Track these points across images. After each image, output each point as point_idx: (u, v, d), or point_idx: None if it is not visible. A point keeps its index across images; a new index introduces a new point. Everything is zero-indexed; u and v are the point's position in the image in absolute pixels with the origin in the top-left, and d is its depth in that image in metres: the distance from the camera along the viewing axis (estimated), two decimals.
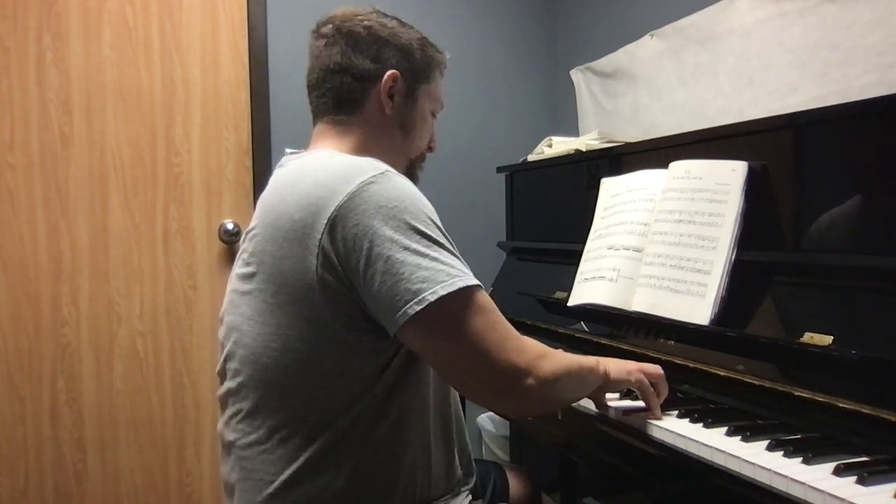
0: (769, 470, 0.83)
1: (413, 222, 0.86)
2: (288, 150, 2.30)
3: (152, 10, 2.04)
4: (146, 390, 2.07)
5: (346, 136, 1.04)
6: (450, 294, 0.84)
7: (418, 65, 1.07)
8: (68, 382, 1.98)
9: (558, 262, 1.74)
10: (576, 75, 2.46)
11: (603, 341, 1.43)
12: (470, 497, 1.10)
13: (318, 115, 1.07)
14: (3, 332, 1.92)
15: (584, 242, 1.54)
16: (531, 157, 2.05)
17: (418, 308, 0.83)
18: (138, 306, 2.05)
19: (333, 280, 0.87)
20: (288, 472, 0.91)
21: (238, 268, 1.00)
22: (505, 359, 0.86)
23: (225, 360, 1.00)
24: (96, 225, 2.01)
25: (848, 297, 1.05)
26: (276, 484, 0.91)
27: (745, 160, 1.21)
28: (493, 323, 0.87)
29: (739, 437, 0.94)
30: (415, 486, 0.98)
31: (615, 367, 1.03)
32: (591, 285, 1.44)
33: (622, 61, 2.20)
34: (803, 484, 0.79)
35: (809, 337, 1.01)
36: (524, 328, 1.70)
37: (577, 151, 1.81)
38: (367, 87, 1.03)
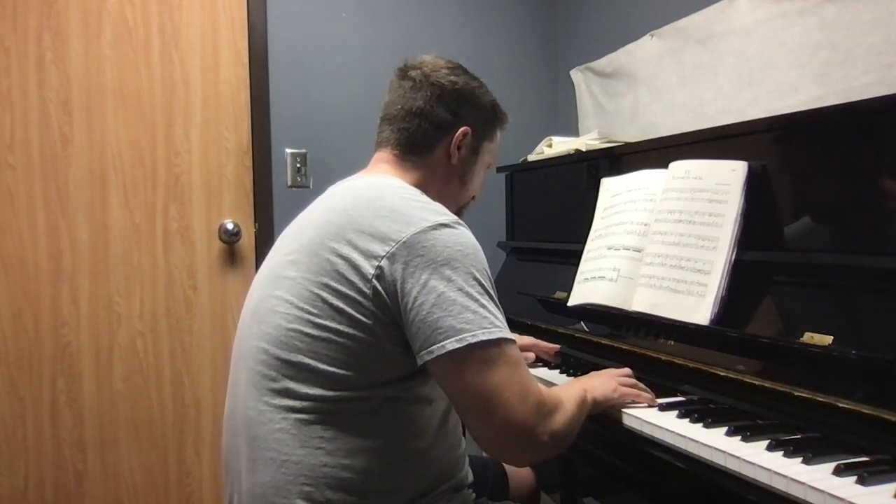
0: (769, 470, 0.83)
1: (472, 270, 0.93)
2: (289, 151, 2.30)
3: (152, 10, 2.04)
4: (146, 390, 2.07)
5: (410, 172, 1.12)
6: (488, 341, 0.89)
7: (487, 125, 1.18)
8: (68, 382, 1.98)
9: (558, 262, 1.74)
10: (576, 75, 2.46)
11: (603, 341, 1.43)
12: (474, 494, 1.10)
13: (383, 144, 1.14)
14: (3, 332, 1.92)
15: (584, 242, 1.54)
16: (531, 157, 2.05)
17: (457, 346, 0.88)
18: (138, 306, 2.05)
19: (384, 294, 0.92)
20: (300, 452, 0.93)
21: (284, 252, 1.03)
22: (521, 413, 0.89)
23: (249, 337, 1.02)
24: (96, 225, 2.01)
25: (848, 297, 1.05)
26: (287, 462, 0.94)
27: (745, 160, 1.21)
28: (517, 378, 0.91)
29: (739, 437, 0.94)
30: (425, 477, 1.00)
31: (599, 389, 1.09)
32: (591, 285, 1.44)
33: (622, 61, 2.20)
34: (803, 484, 0.79)
35: (809, 337, 1.01)
36: (524, 328, 1.70)
37: (577, 151, 1.81)
38: (440, 136, 1.12)
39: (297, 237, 1.03)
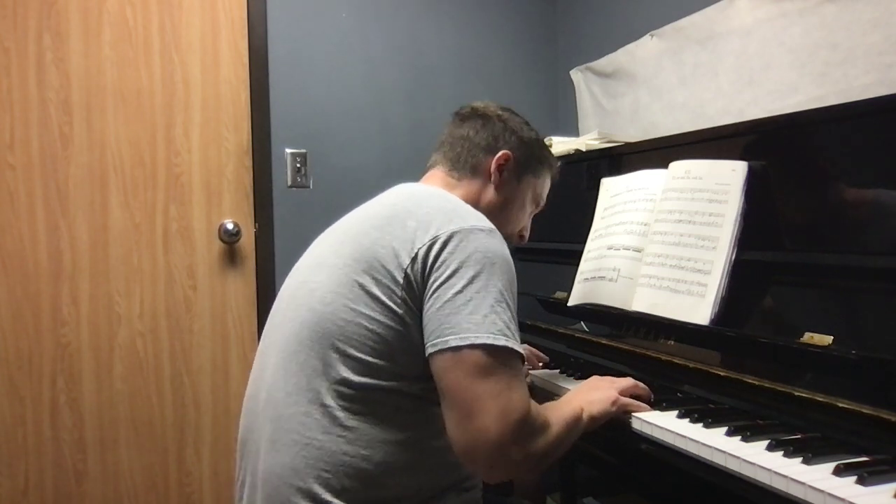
0: (769, 470, 0.83)
1: (495, 278, 0.95)
2: (289, 151, 2.30)
3: (152, 10, 2.04)
4: (146, 390, 2.07)
5: (456, 188, 1.19)
6: (490, 346, 0.90)
7: (530, 157, 1.24)
8: (68, 382, 1.98)
9: (558, 262, 1.74)
10: (576, 75, 2.46)
11: (603, 341, 1.43)
12: (481, 491, 1.11)
13: (432, 165, 1.23)
14: (3, 332, 1.92)
15: (584, 242, 1.54)
16: None
17: (458, 343, 0.90)
18: (138, 306, 2.05)
19: (414, 283, 0.96)
20: (322, 437, 0.95)
21: (329, 243, 1.09)
22: (497, 428, 0.88)
23: (283, 321, 1.06)
24: (96, 225, 2.01)
25: (848, 297, 1.05)
26: (309, 446, 0.95)
27: (745, 160, 1.21)
28: (507, 392, 0.90)
29: (739, 437, 0.94)
30: (441, 476, 1.01)
31: (597, 405, 1.07)
32: (591, 285, 1.44)
33: (622, 61, 2.20)
34: (803, 484, 0.79)
35: (809, 337, 1.01)
36: (524, 328, 1.70)
37: (577, 151, 1.81)
38: (483, 157, 1.20)
39: (344, 229, 1.09)
